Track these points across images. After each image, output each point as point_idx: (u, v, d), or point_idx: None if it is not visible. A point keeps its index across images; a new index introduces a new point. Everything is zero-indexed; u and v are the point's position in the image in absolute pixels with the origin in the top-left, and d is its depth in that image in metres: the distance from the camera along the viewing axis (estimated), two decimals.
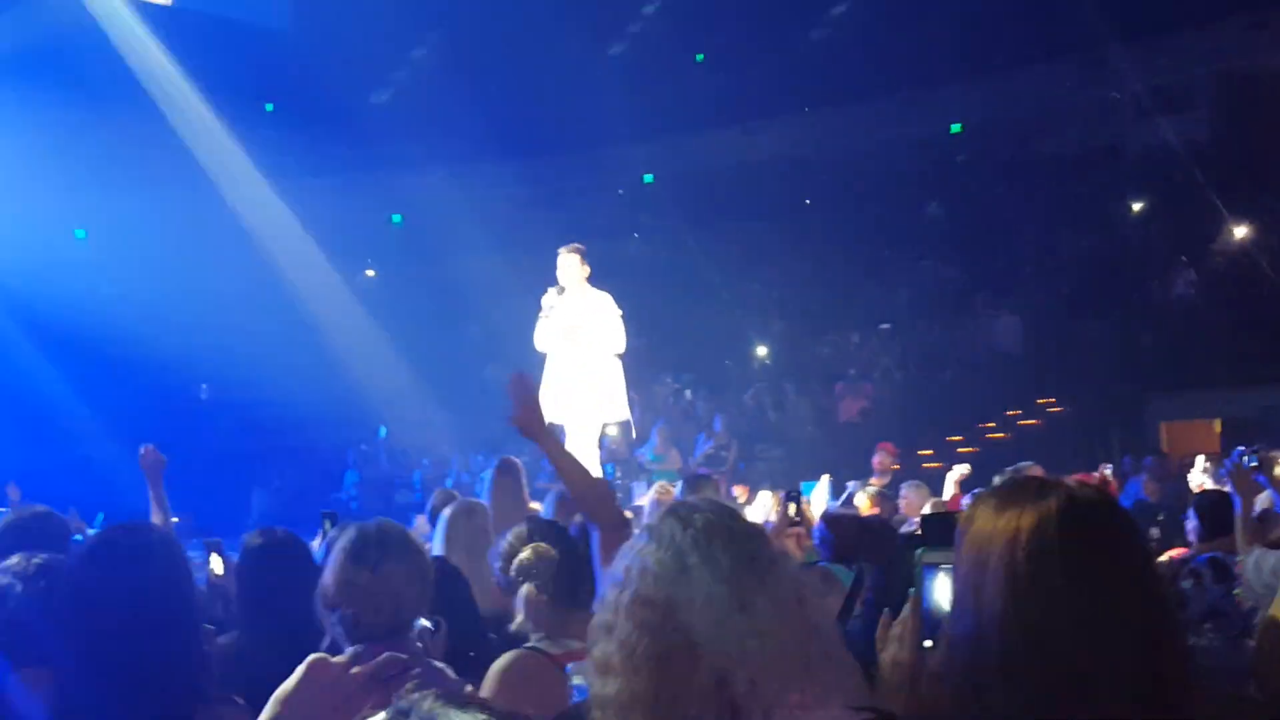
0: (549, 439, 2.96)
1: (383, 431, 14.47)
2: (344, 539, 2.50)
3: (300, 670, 1.47)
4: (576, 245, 7.72)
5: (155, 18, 11.53)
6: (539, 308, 7.41)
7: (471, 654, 2.86)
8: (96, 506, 5.51)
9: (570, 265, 7.55)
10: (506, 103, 13.11)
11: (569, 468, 2.91)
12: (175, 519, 8.07)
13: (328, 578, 2.47)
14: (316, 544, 4.25)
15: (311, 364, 13.35)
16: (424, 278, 15.54)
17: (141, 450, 4.41)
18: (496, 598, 3.80)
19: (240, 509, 11.91)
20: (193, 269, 13.15)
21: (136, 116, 12.42)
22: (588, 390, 7.47)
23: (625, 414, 7.83)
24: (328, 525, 5.38)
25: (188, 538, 5.01)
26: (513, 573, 2.89)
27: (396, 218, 15.68)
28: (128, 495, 4.80)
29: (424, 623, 2.62)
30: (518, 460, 4.84)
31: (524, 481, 4.89)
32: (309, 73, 12.15)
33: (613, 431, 8.15)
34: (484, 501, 4.54)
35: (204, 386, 13.94)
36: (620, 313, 7.57)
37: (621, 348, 7.56)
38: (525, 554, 2.89)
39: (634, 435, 8.14)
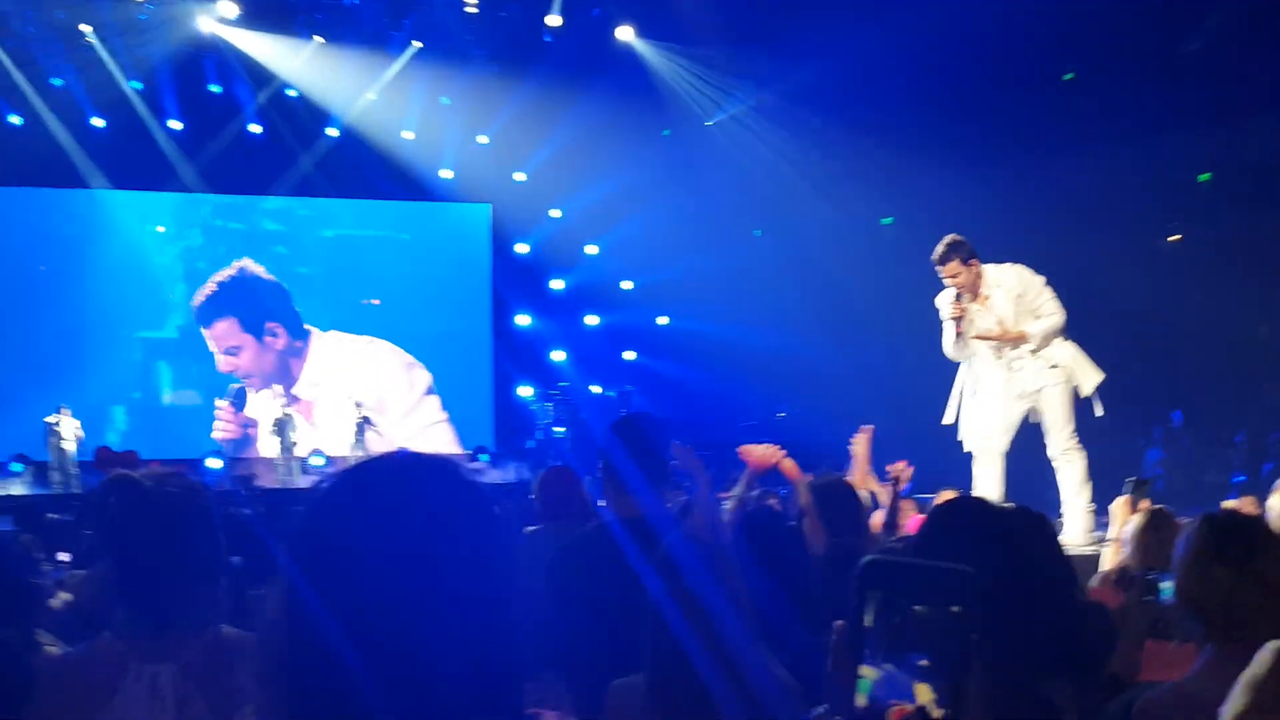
0: None
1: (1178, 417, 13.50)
2: (1198, 531, 2.39)
3: (1271, 656, 1.32)
4: (946, 245, 6.41)
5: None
6: None
7: None
8: None
9: (953, 274, 6.37)
10: None
11: None
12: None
13: (1181, 573, 2.37)
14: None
15: (1113, 338, 12.88)
16: (1235, 238, 14.10)
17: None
18: None
19: None
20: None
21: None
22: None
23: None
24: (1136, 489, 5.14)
25: None
26: None
27: (1205, 176, 14.40)
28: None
29: None
30: None
31: None
32: (1113, 33, 11.63)
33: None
34: None
35: None
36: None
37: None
38: None
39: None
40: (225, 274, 14.67)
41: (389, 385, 14.89)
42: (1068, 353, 6.56)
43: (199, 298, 14.51)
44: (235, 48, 13.46)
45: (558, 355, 15.43)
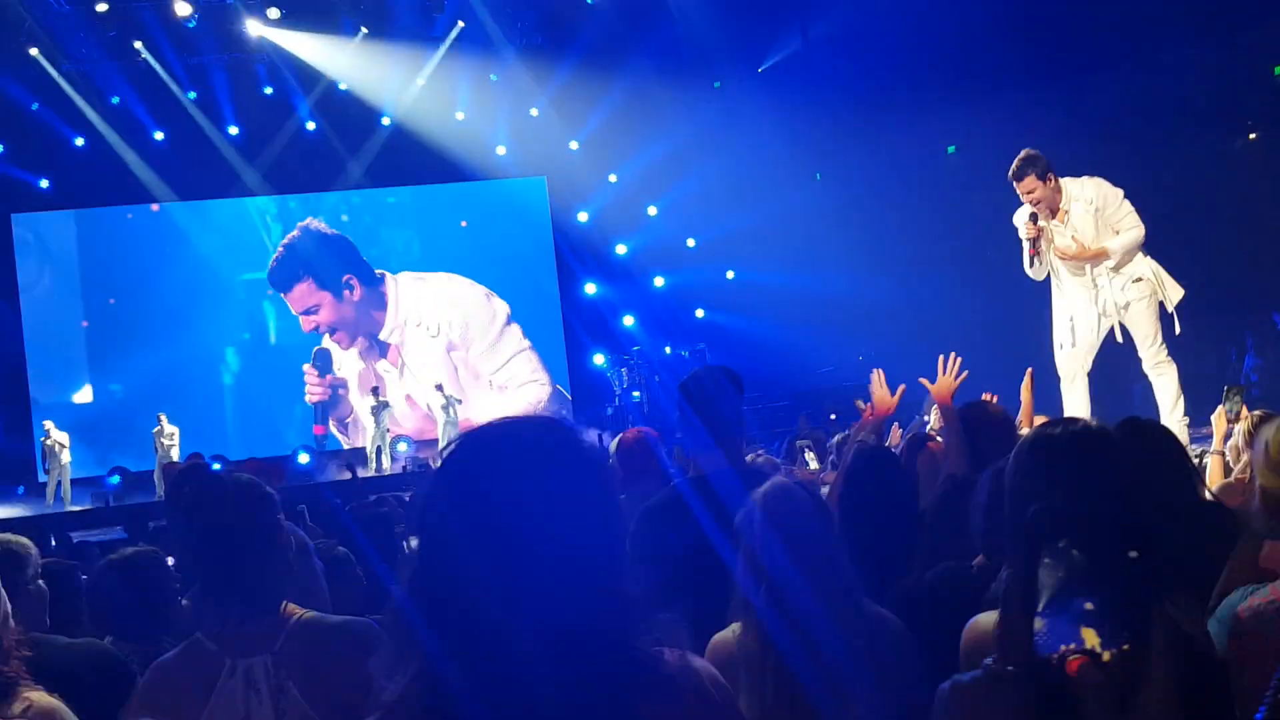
0: None
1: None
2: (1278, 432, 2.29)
3: None
4: (1021, 160, 6.12)
5: None
6: None
7: None
8: None
9: (1029, 190, 6.09)
10: None
11: None
12: None
13: (1263, 473, 2.27)
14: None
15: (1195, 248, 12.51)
16: None
17: None
18: None
19: None
20: None
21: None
22: None
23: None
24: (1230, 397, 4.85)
25: None
26: None
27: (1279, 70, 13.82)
28: None
29: None
30: None
31: None
32: None
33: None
34: None
35: None
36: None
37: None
38: None
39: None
40: (291, 237, 15.11)
41: (472, 317, 15.21)
42: (1149, 267, 6.34)
43: (272, 263, 15.06)
44: (283, 49, 13.58)
45: (628, 320, 15.41)
